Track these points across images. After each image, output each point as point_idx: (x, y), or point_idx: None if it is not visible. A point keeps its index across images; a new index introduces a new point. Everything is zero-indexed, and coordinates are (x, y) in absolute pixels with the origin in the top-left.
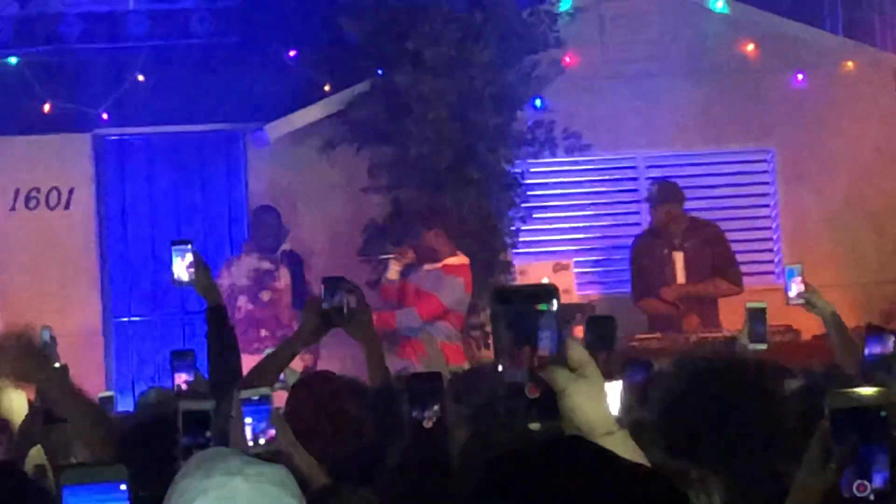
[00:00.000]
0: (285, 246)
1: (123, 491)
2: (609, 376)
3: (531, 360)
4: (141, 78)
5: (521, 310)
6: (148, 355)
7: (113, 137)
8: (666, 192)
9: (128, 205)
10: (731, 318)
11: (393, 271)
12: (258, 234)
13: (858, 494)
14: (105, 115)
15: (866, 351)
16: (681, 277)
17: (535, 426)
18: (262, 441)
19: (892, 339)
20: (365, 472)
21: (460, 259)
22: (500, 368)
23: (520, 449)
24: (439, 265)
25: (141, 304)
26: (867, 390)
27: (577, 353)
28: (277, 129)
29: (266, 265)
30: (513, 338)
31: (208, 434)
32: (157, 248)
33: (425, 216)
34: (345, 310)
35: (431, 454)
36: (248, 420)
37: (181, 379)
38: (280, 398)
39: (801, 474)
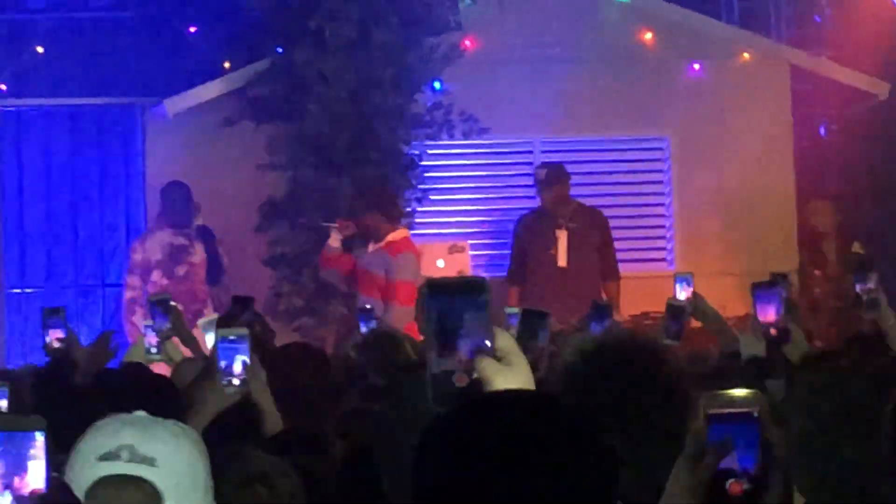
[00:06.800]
0: (198, 220)
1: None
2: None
3: (461, 350)
4: (40, 49)
5: (452, 301)
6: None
7: (10, 108)
8: (555, 174)
9: (24, 176)
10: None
11: (334, 239)
12: (171, 209)
13: (732, 494)
14: (3, 86)
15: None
16: (562, 258)
17: None
18: (234, 382)
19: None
20: None
21: (401, 233)
22: (430, 357)
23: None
24: (382, 244)
25: (34, 276)
26: (741, 392)
27: (504, 341)
28: (176, 104)
29: (181, 240)
30: (443, 328)
31: None
32: (53, 220)
33: (364, 198)
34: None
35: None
36: (222, 360)
37: (54, 335)
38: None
39: (675, 471)
